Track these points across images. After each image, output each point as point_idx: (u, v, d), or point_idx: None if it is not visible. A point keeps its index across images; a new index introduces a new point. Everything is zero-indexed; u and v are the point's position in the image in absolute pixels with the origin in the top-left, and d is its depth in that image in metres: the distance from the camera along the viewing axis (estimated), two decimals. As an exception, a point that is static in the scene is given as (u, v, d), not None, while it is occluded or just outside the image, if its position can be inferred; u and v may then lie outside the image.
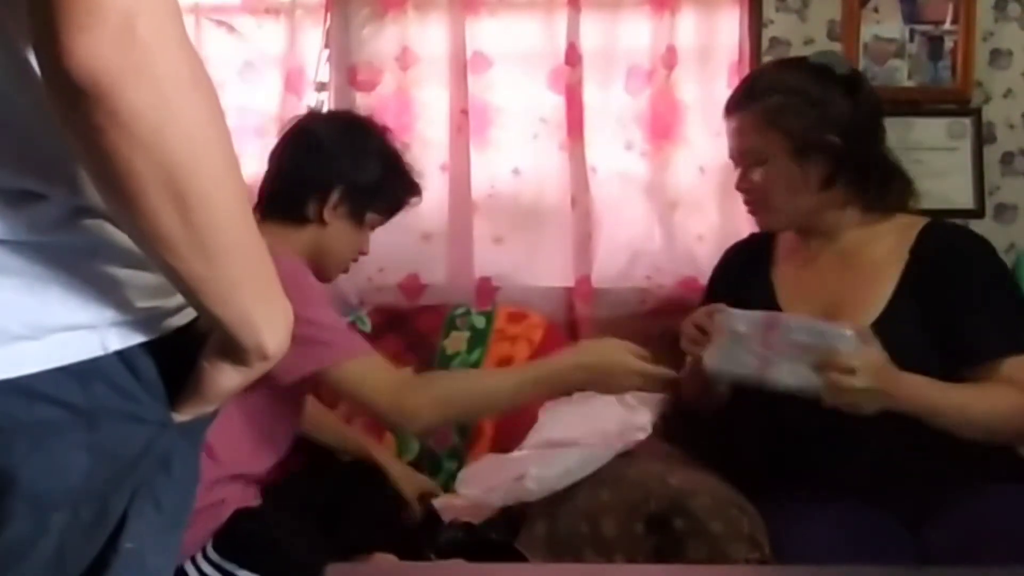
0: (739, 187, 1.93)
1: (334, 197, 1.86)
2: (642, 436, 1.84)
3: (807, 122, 1.83)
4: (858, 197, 1.88)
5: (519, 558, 1.72)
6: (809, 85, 1.85)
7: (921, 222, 1.89)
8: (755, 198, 1.91)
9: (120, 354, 0.88)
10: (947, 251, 1.84)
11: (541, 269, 2.55)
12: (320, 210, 1.86)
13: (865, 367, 1.61)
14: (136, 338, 0.89)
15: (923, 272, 1.82)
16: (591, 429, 1.87)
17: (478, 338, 2.42)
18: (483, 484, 1.90)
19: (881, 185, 1.89)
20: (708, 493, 1.71)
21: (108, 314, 0.87)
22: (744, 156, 1.90)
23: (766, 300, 1.91)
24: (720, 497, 1.71)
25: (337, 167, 1.86)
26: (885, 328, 1.74)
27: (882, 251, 1.86)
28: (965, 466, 1.73)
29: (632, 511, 1.69)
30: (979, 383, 1.73)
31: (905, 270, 1.83)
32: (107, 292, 0.87)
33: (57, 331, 0.85)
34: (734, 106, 1.91)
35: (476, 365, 2.38)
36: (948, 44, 2.56)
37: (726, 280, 2.08)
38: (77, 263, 0.86)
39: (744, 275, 2.02)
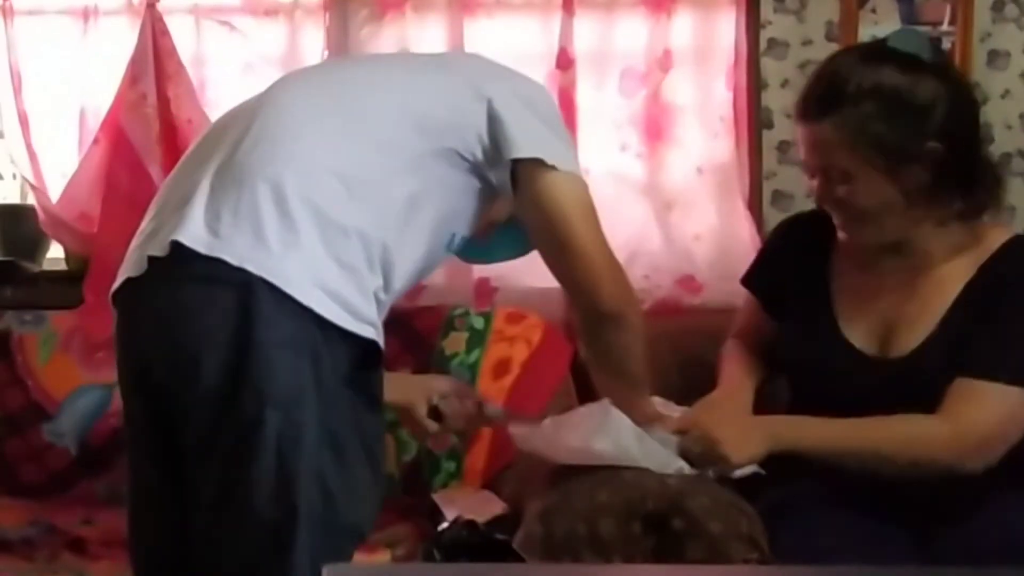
0: (822, 202, 1.71)
1: None
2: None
3: (901, 131, 1.62)
4: (961, 207, 1.68)
5: (519, 559, 1.72)
6: (902, 83, 1.63)
7: (1005, 235, 1.73)
8: (848, 215, 1.70)
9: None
10: (1013, 269, 1.69)
11: (540, 270, 2.53)
12: None
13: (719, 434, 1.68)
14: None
15: (987, 289, 1.68)
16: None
17: (477, 339, 2.42)
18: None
19: (988, 189, 1.70)
20: (706, 493, 1.71)
21: None
22: (828, 171, 1.67)
23: (824, 311, 1.79)
24: (719, 497, 1.71)
25: None
26: (933, 352, 1.69)
27: (951, 267, 1.70)
28: (984, 479, 1.69)
29: (630, 511, 1.69)
30: (884, 417, 1.65)
31: (967, 288, 1.69)
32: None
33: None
34: (815, 112, 1.66)
35: (475, 366, 2.39)
36: (946, 45, 2.56)
37: (769, 267, 1.94)
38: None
39: (793, 265, 1.86)
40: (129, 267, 1.50)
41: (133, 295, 1.49)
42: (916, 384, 1.68)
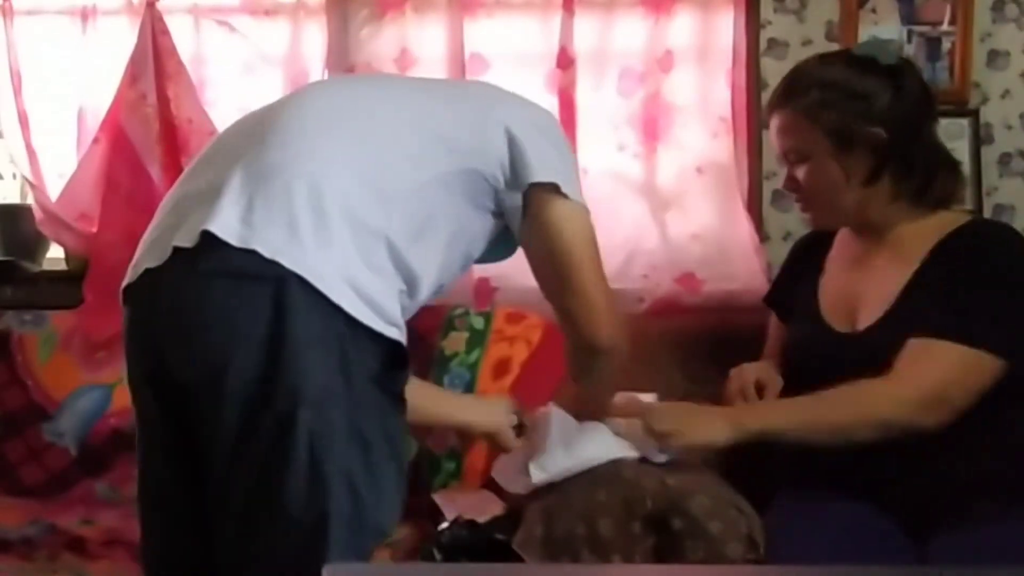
0: (786, 187, 1.90)
1: None
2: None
3: (847, 116, 1.78)
4: (905, 190, 1.82)
5: (519, 559, 1.72)
6: (849, 77, 1.81)
7: (963, 219, 1.83)
8: (803, 197, 1.87)
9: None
10: (969, 245, 1.78)
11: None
12: None
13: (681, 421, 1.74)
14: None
15: (943, 263, 1.77)
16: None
17: (477, 338, 2.43)
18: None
19: (928, 176, 1.82)
20: (706, 493, 1.72)
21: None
22: (787, 155, 1.86)
23: (810, 309, 1.90)
24: (718, 497, 1.72)
25: None
26: (889, 324, 1.75)
27: (911, 244, 1.81)
28: (980, 480, 1.71)
29: (629, 511, 1.69)
30: (839, 387, 1.70)
31: (924, 262, 1.78)
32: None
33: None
34: (775, 104, 1.87)
35: (475, 366, 2.39)
36: (946, 45, 2.57)
37: (782, 283, 2.07)
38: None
39: (799, 276, 1.99)
40: (149, 258, 1.47)
41: (151, 287, 1.47)
42: (874, 356, 1.72)
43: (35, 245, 2.72)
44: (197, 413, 1.44)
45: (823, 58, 1.93)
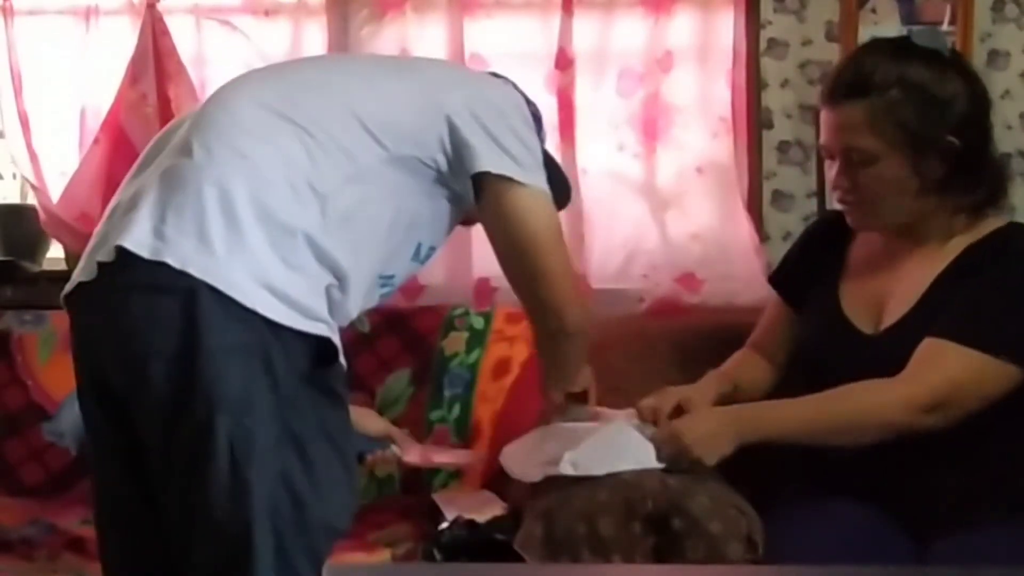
0: (837, 185, 1.77)
1: None
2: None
3: (926, 120, 1.69)
4: (968, 203, 1.74)
5: (519, 559, 1.72)
6: (931, 79, 1.70)
7: (1000, 223, 1.77)
8: (857, 198, 1.75)
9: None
10: (998, 250, 1.73)
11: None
12: None
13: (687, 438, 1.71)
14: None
15: (968, 266, 1.73)
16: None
17: (477, 339, 2.43)
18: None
19: (993, 188, 1.76)
20: (706, 493, 1.71)
21: None
22: (849, 153, 1.73)
23: (830, 307, 1.85)
24: (718, 497, 1.72)
25: None
26: (910, 326, 1.73)
27: (945, 246, 1.76)
28: (983, 484, 1.71)
29: (630, 511, 1.69)
30: (852, 385, 1.69)
31: (950, 265, 1.74)
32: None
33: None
34: (842, 97, 1.73)
35: (475, 366, 2.39)
36: (946, 45, 2.56)
37: (795, 267, 1.99)
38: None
39: (814, 268, 1.91)
40: (81, 272, 1.49)
41: (85, 301, 1.48)
42: (893, 357, 1.70)
43: (35, 245, 2.72)
44: (136, 423, 1.45)
45: (891, 50, 1.76)
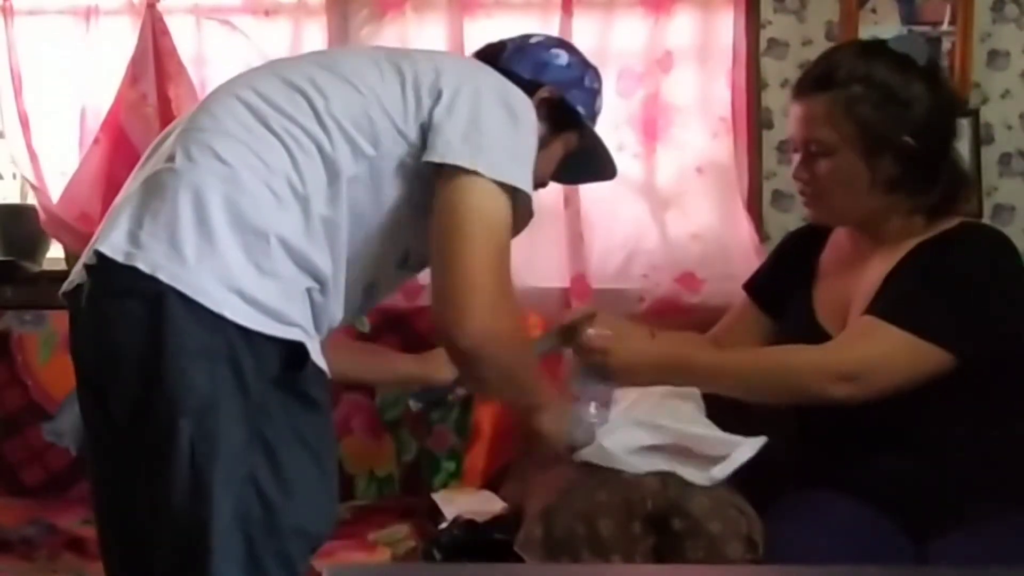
0: (796, 176, 1.82)
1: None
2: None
3: (884, 119, 1.73)
4: (922, 204, 1.77)
5: (519, 559, 1.72)
6: (892, 77, 1.75)
7: (953, 222, 1.80)
8: (813, 190, 1.81)
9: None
10: (945, 242, 1.77)
11: (539, 269, 2.56)
12: None
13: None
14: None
15: (913, 261, 1.76)
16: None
17: (477, 338, 2.42)
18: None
19: (948, 192, 1.78)
20: (706, 493, 1.72)
21: None
22: (808, 145, 1.78)
23: (804, 313, 1.88)
24: (718, 497, 1.72)
25: None
26: None
27: (903, 245, 1.79)
28: (979, 481, 1.71)
29: (629, 511, 1.69)
30: (783, 346, 1.76)
31: (898, 263, 1.77)
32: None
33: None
34: (807, 90, 1.79)
35: (475, 366, 2.38)
36: (946, 45, 2.56)
37: (768, 275, 2.04)
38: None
39: (789, 275, 1.96)
40: (76, 273, 1.52)
41: (74, 303, 1.51)
42: None
43: (35, 245, 2.72)
44: None
45: (864, 50, 1.84)
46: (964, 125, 2.58)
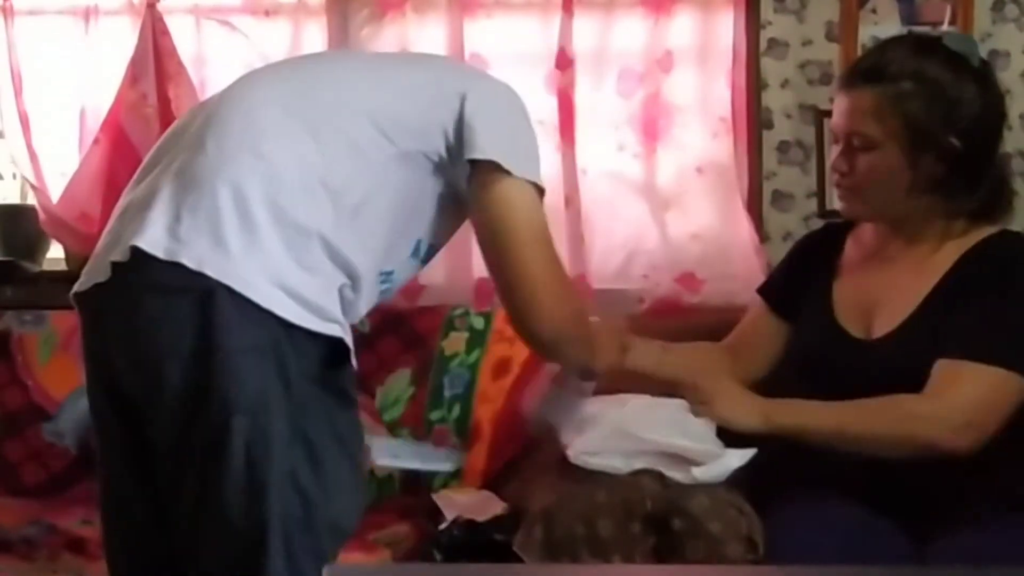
0: (835, 167, 1.79)
1: None
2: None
3: (932, 117, 1.70)
4: (961, 209, 1.75)
5: (519, 559, 1.72)
6: (944, 76, 1.72)
7: (992, 230, 1.78)
8: (851, 183, 1.77)
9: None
10: (994, 258, 1.74)
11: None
12: None
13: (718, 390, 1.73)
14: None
15: (965, 276, 1.73)
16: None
17: (477, 339, 2.43)
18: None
19: (989, 199, 1.76)
20: (706, 493, 1.72)
21: None
22: (851, 137, 1.75)
23: (822, 311, 1.85)
24: (718, 497, 1.72)
25: None
26: (906, 334, 1.73)
27: (939, 252, 1.76)
28: (980, 483, 1.71)
29: (629, 512, 1.69)
30: (876, 399, 1.69)
31: (947, 275, 1.75)
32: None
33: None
34: (856, 82, 1.76)
35: (475, 366, 2.39)
36: (946, 45, 2.56)
37: (784, 279, 1.99)
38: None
39: (805, 279, 1.92)
40: (94, 272, 1.48)
41: (99, 302, 1.48)
42: (890, 365, 1.72)
43: (35, 245, 2.72)
44: (148, 425, 1.45)
45: (919, 46, 1.80)
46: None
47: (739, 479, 1.74)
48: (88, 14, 2.60)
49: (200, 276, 1.37)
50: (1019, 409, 1.71)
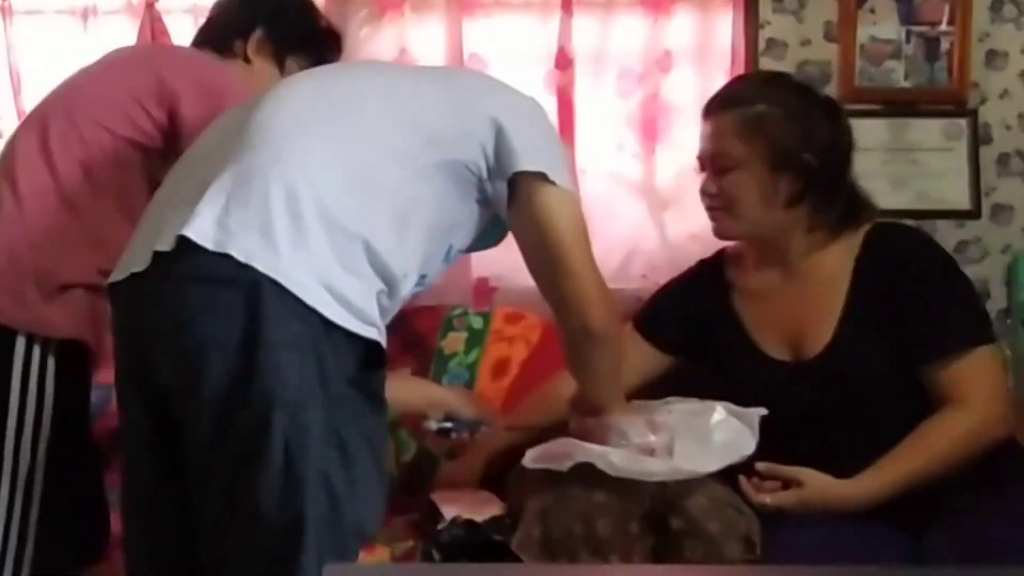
0: (704, 190, 1.90)
1: (256, 36, 2.04)
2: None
3: (789, 136, 1.82)
4: (823, 222, 1.86)
5: (518, 560, 1.72)
6: (796, 102, 1.86)
7: (864, 228, 1.88)
8: (720, 204, 1.88)
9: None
10: (892, 252, 1.84)
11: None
12: (244, 48, 2.04)
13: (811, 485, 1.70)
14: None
15: (872, 278, 1.83)
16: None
17: (476, 339, 2.43)
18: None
19: (847, 213, 1.87)
20: (704, 493, 1.72)
21: None
22: (717, 159, 1.87)
23: (741, 338, 1.91)
24: (716, 497, 1.72)
25: (260, 9, 2.07)
26: (842, 347, 1.79)
27: (831, 265, 1.86)
28: (971, 474, 1.72)
29: (627, 511, 1.70)
30: (913, 436, 1.73)
31: (853, 280, 1.84)
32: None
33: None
34: (715, 109, 1.89)
35: (473, 366, 2.39)
36: (944, 45, 2.57)
37: (674, 308, 2.03)
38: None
39: (704, 313, 1.97)
40: (135, 261, 1.48)
41: (136, 291, 1.48)
42: (831, 382, 1.79)
43: (34, 245, 2.72)
44: (179, 415, 1.45)
45: (766, 77, 2.01)
46: (962, 125, 2.59)
47: (737, 479, 1.74)
48: (87, 14, 2.60)
49: (248, 269, 1.39)
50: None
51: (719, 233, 1.94)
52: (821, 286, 1.85)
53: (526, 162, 1.59)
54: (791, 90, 1.89)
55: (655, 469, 1.69)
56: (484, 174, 1.60)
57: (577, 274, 1.64)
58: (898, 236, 1.89)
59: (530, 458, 1.76)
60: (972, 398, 1.74)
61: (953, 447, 1.72)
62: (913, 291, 1.79)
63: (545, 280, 1.69)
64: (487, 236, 1.75)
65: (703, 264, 2.06)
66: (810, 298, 1.86)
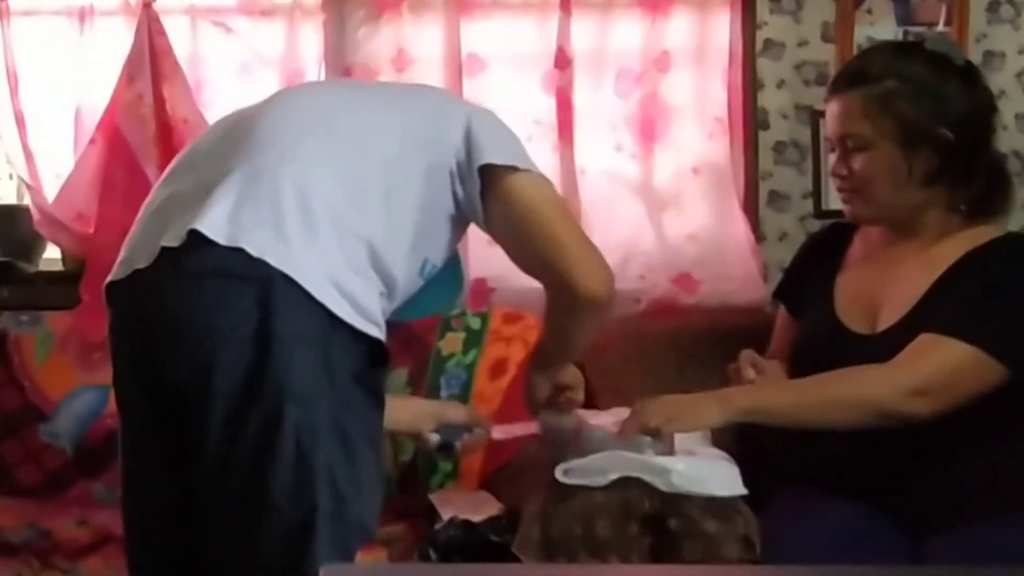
0: (835, 172, 1.83)
1: None
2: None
3: (920, 112, 1.74)
4: (960, 200, 1.78)
5: (516, 559, 1.72)
6: (928, 74, 1.76)
7: (998, 232, 1.80)
8: (851, 186, 1.80)
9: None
10: (997, 256, 1.76)
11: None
12: None
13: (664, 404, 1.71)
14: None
15: (964, 273, 1.75)
16: None
17: (473, 339, 2.43)
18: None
19: (987, 189, 1.79)
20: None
21: None
22: (846, 140, 1.79)
23: (823, 306, 1.86)
24: (715, 498, 1.72)
25: None
26: (907, 330, 1.73)
27: (942, 249, 1.78)
28: (975, 481, 1.72)
29: (626, 512, 1.69)
30: (837, 371, 1.71)
31: (949, 269, 1.76)
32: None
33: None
34: (842, 87, 1.80)
35: (471, 366, 2.39)
36: (942, 46, 2.57)
37: (794, 276, 2.01)
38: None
39: (811, 275, 1.94)
40: (138, 258, 1.48)
41: (140, 287, 1.48)
42: (889, 358, 1.71)
43: (32, 246, 2.72)
44: (186, 410, 1.45)
45: (896, 48, 1.87)
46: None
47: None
48: (84, 14, 2.59)
49: (260, 263, 1.41)
50: (1014, 404, 1.71)
51: (852, 216, 1.86)
52: (919, 267, 1.78)
53: (496, 156, 1.59)
54: (923, 61, 1.78)
55: (714, 487, 1.68)
56: (456, 175, 1.60)
57: (557, 238, 1.61)
58: (1017, 245, 1.80)
59: (561, 472, 1.73)
60: (903, 364, 1.68)
61: (843, 393, 1.69)
62: (980, 283, 1.72)
63: (527, 255, 1.66)
64: (437, 296, 1.76)
65: (835, 226, 1.99)
66: (902, 275, 1.79)
